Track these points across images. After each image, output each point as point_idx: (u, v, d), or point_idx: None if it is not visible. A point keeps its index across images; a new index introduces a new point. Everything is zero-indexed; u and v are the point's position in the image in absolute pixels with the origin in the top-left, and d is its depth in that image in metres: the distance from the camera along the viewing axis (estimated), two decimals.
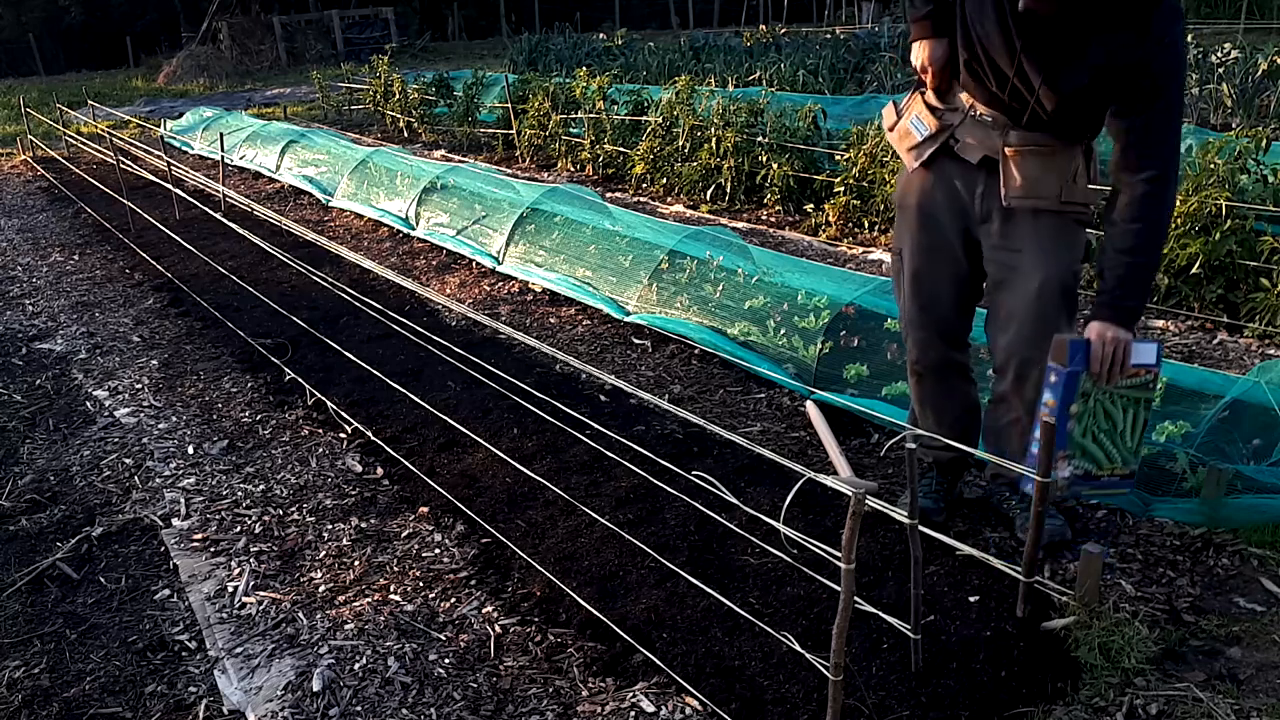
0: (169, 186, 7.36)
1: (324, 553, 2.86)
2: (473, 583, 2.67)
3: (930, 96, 2.46)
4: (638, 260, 4.76)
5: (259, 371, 4.27)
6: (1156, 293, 4.39)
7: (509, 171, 8.41)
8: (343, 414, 3.70)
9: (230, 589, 2.71)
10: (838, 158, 6.34)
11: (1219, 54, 10.24)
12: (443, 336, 4.08)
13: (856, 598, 1.76)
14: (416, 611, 2.56)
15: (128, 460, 3.54)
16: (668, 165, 7.53)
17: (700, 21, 31.54)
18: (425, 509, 3.04)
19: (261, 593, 2.68)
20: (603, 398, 3.81)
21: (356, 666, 2.36)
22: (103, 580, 2.81)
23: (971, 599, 2.41)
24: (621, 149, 8.15)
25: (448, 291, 5.37)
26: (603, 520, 2.74)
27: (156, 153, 8.57)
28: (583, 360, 4.15)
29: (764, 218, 6.70)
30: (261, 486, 3.29)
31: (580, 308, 4.89)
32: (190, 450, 3.58)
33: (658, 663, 2.24)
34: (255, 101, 16.79)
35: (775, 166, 6.66)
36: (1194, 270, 4.26)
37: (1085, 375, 2.19)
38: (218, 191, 6.93)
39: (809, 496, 2.88)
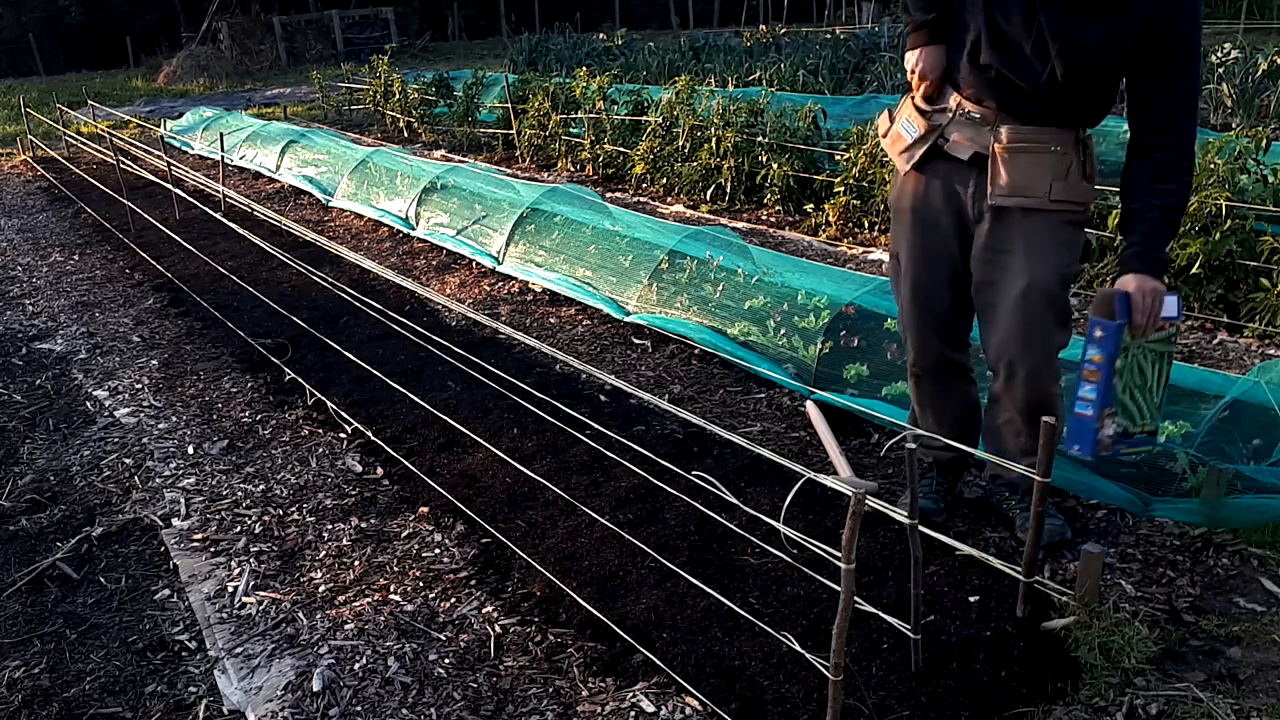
0: (169, 186, 7.36)
1: (324, 553, 2.87)
2: (473, 583, 2.67)
3: (920, 100, 2.47)
4: (638, 260, 4.76)
5: (259, 371, 4.27)
6: None
7: (509, 171, 8.42)
8: (343, 414, 3.70)
9: (230, 589, 2.71)
10: (838, 158, 6.34)
11: (1219, 54, 10.22)
12: (443, 336, 4.09)
13: (856, 598, 1.76)
14: (416, 611, 2.56)
15: (128, 460, 3.54)
16: (668, 165, 7.53)
17: (700, 21, 31.56)
18: (425, 509, 3.04)
19: (261, 593, 2.68)
20: (603, 398, 3.81)
21: (356, 666, 2.36)
22: (103, 580, 2.82)
23: (971, 599, 2.41)
24: (621, 149, 8.15)
25: (448, 291, 5.37)
26: (603, 520, 2.74)
27: (156, 153, 8.57)
28: (583, 360, 4.15)
29: (764, 218, 6.70)
30: (261, 486, 3.29)
31: (580, 308, 4.89)
32: (190, 450, 3.59)
33: (658, 663, 2.24)
34: (255, 101, 16.80)
35: (775, 166, 6.65)
36: (1194, 270, 4.26)
37: (1125, 329, 2.19)
38: (218, 191, 6.93)
39: (809, 496, 2.88)
